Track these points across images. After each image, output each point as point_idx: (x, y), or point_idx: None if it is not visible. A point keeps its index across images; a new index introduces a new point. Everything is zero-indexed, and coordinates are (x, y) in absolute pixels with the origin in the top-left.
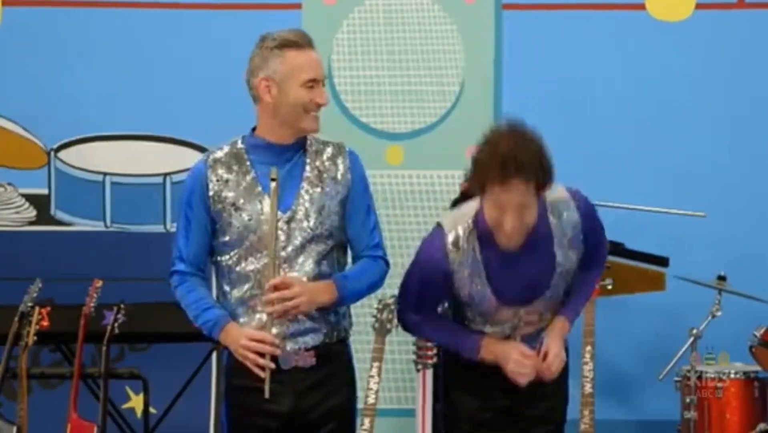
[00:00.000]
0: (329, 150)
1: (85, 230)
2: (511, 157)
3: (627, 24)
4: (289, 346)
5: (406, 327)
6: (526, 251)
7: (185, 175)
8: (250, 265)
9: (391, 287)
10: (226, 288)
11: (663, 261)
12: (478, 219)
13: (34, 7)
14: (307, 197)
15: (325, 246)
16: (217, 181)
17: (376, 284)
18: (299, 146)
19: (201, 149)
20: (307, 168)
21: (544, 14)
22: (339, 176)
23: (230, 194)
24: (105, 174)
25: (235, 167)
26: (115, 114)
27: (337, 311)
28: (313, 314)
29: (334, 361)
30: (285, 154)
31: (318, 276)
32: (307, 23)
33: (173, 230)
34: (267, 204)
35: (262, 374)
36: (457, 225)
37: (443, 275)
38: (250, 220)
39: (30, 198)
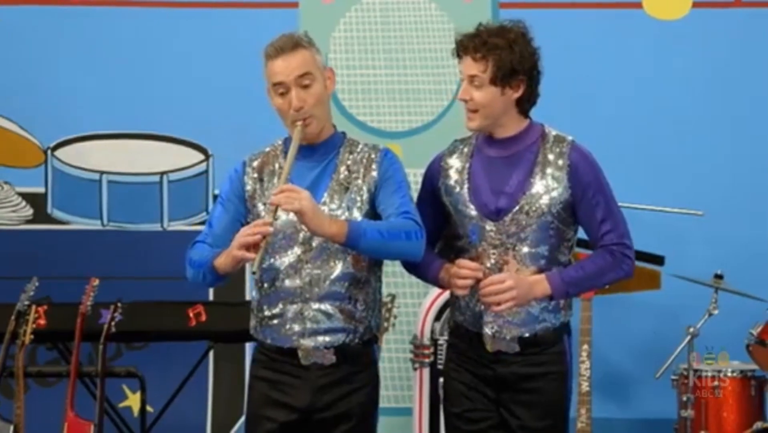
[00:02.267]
0: (362, 151)
1: (82, 229)
2: (474, 34)
3: (624, 23)
4: (310, 343)
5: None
6: (509, 162)
7: (182, 174)
8: (278, 261)
9: (388, 286)
10: (257, 283)
11: (659, 260)
12: (477, 135)
13: (31, 6)
14: (335, 198)
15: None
16: (252, 181)
17: (402, 236)
18: (333, 147)
19: (198, 148)
20: (339, 169)
21: (541, 13)
22: (368, 177)
23: (262, 195)
24: (102, 173)
25: (270, 168)
26: (112, 113)
27: (365, 310)
28: (334, 313)
29: (357, 360)
30: (316, 155)
31: (344, 277)
32: (305, 22)
33: (170, 228)
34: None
35: (252, 256)
36: (454, 143)
37: (436, 181)
38: (277, 219)
39: (27, 197)
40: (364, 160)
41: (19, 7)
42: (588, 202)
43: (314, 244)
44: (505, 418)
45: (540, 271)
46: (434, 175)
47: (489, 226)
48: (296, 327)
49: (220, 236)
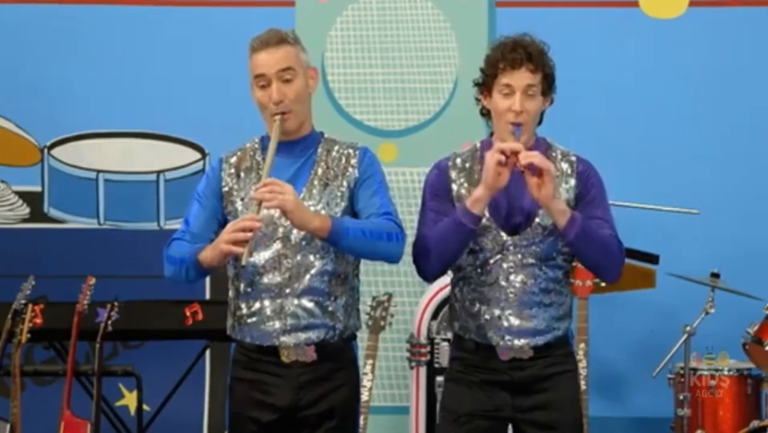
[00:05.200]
0: (341, 149)
1: (79, 228)
2: (521, 45)
3: (620, 21)
4: (290, 341)
5: (420, 255)
6: (521, 176)
7: (179, 172)
8: (257, 258)
9: (385, 285)
10: (234, 282)
11: (653, 259)
12: (482, 144)
13: (28, 4)
14: (313, 194)
15: (328, 245)
16: (230, 177)
17: (383, 237)
18: (311, 144)
19: (195, 147)
20: (318, 166)
21: (538, 11)
22: (347, 174)
23: (240, 191)
24: (98, 171)
25: (247, 165)
26: (109, 111)
27: (344, 307)
28: (314, 309)
29: (337, 358)
30: (294, 152)
31: (324, 272)
32: (301, 20)
33: (167, 227)
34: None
35: (240, 250)
36: (462, 151)
37: (447, 185)
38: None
39: (23, 195)
40: (343, 158)
41: (14, 6)
42: (589, 208)
43: (293, 240)
44: (519, 422)
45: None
46: (445, 181)
47: (506, 241)
48: (276, 324)
49: (197, 234)
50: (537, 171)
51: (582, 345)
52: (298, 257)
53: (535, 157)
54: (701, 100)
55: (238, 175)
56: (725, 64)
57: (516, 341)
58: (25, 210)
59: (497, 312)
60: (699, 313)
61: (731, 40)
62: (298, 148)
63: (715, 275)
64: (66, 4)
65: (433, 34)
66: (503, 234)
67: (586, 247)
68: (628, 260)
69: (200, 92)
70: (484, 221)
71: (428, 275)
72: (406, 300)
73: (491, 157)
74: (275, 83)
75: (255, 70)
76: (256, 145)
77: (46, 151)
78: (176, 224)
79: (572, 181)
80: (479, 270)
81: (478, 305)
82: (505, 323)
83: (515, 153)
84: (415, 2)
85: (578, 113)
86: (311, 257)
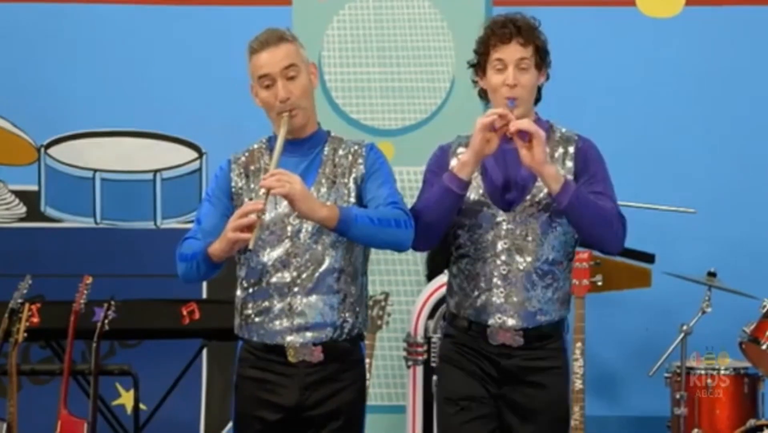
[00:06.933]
0: (347, 146)
1: (75, 227)
2: (510, 21)
3: (617, 20)
4: (297, 340)
5: (415, 230)
6: (517, 151)
7: (175, 171)
8: (265, 257)
9: (382, 284)
10: (243, 281)
11: (649, 258)
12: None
13: (25, 4)
14: (322, 192)
15: (338, 242)
16: (239, 178)
17: (392, 223)
18: (318, 142)
19: (191, 146)
20: (325, 164)
21: (535, 11)
22: (354, 171)
23: (249, 191)
24: (95, 170)
25: (256, 165)
26: (106, 110)
27: (353, 305)
28: (323, 307)
29: (344, 358)
30: (301, 150)
31: (333, 270)
32: (298, 19)
33: (164, 226)
34: (283, 202)
35: (247, 237)
36: (459, 138)
37: (447, 165)
38: (263, 214)
39: (20, 194)
40: (350, 156)
41: (11, 5)
42: (589, 184)
43: (302, 238)
44: (503, 412)
45: (544, 265)
46: (446, 161)
47: (500, 216)
48: (285, 323)
49: (209, 232)
50: (527, 137)
51: (579, 344)
52: (307, 255)
53: (523, 123)
54: (698, 99)
55: (246, 176)
56: (722, 62)
57: (508, 321)
58: (21, 209)
59: (491, 290)
60: (696, 312)
61: (728, 39)
62: (305, 147)
63: (712, 274)
64: (64, 4)
65: (429, 33)
66: (498, 210)
67: (581, 216)
68: (624, 259)
69: (197, 92)
70: (479, 196)
71: (418, 244)
72: (403, 299)
73: (478, 121)
74: (280, 81)
75: (258, 71)
76: (264, 146)
77: (42, 150)
78: (173, 223)
79: (571, 157)
80: (475, 247)
81: (472, 282)
82: (498, 301)
83: (506, 121)
84: (411, 1)
85: (574, 112)
86: (320, 255)
